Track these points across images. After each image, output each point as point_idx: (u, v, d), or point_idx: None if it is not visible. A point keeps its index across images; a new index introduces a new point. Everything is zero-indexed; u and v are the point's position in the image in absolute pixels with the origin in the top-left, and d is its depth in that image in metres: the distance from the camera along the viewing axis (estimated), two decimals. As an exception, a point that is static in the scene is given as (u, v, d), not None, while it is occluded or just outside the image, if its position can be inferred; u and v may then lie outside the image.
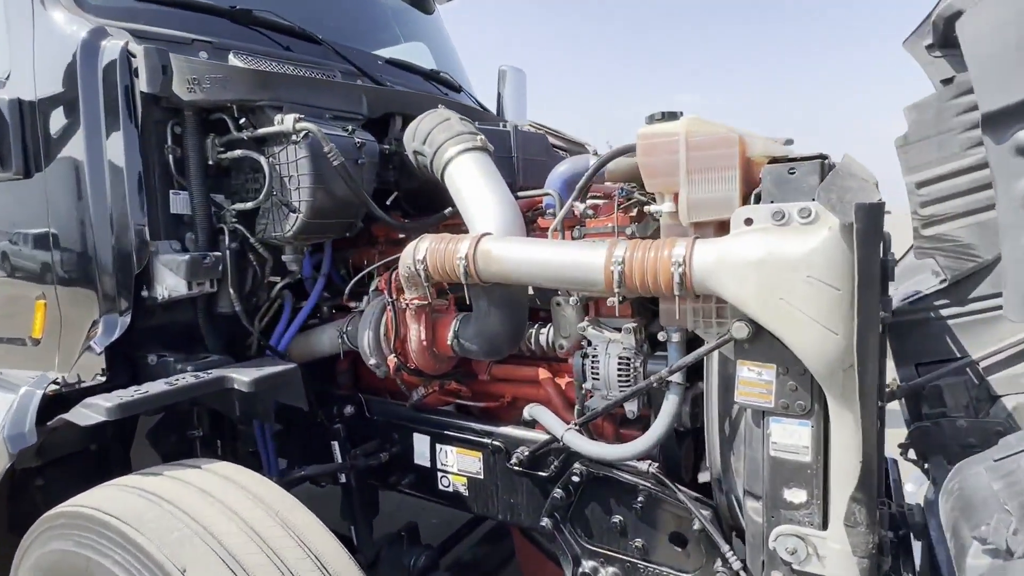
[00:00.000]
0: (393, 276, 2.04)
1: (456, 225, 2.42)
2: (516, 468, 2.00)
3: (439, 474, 2.24)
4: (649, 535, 1.82)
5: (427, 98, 2.62)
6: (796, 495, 1.47)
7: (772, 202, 1.40)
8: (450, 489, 2.23)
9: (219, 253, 2.02)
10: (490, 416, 2.37)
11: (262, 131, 1.96)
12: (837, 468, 1.37)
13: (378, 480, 2.40)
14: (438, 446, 2.23)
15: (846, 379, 1.30)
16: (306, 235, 2.03)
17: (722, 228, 1.54)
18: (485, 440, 2.10)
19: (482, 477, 2.14)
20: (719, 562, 1.67)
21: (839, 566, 1.37)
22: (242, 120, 1.99)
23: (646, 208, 1.63)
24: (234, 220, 2.09)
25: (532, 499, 2.04)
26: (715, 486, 1.78)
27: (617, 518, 1.86)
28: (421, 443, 2.28)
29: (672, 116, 1.63)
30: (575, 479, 1.86)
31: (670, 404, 1.64)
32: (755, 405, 1.49)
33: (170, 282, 1.93)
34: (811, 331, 1.29)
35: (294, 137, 1.92)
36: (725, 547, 1.59)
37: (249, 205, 2.01)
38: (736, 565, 1.57)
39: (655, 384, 1.64)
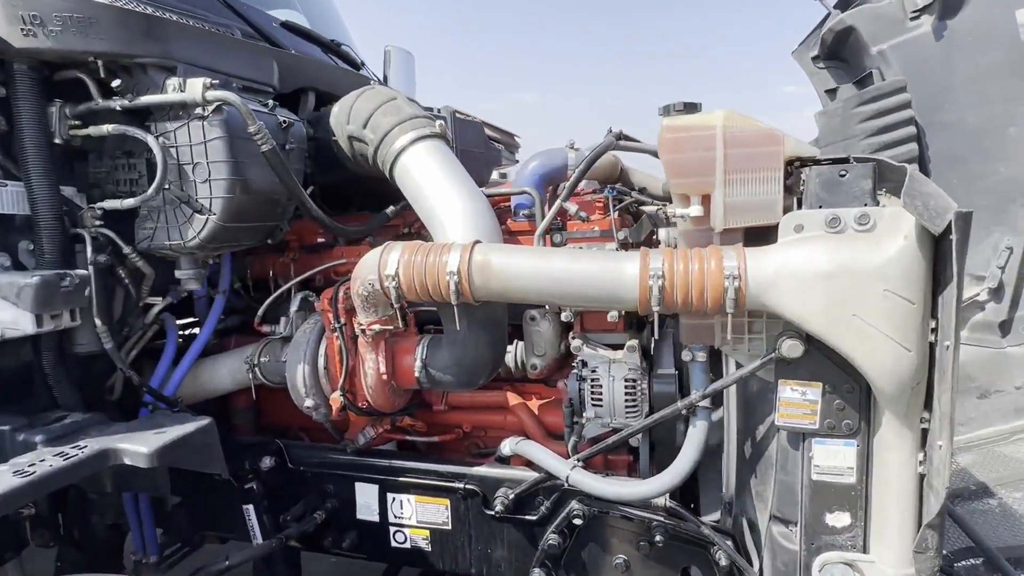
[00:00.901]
0: (341, 295, 1.61)
1: (394, 227, 2.04)
2: (498, 514, 1.70)
3: (392, 529, 1.86)
4: (657, 573, 1.65)
5: (347, 73, 2.17)
6: (839, 519, 1.38)
7: (821, 207, 1.28)
8: (406, 545, 1.86)
9: (83, 272, 1.43)
10: (439, 451, 2.04)
11: (149, 99, 1.41)
12: (890, 489, 1.30)
13: (308, 543, 1.94)
14: (390, 496, 1.84)
15: (912, 398, 1.23)
16: (217, 243, 1.51)
17: (751, 236, 1.40)
18: (454, 484, 1.77)
19: (450, 528, 1.80)
20: (739, 593, 1.55)
21: (894, 591, 1.31)
22: (115, 83, 1.41)
23: (670, 211, 1.43)
24: (98, 224, 1.50)
25: (516, 547, 1.76)
26: (724, 509, 1.67)
27: (620, 558, 1.66)
28: (367, 494, 1.87)
29: (692, 108, 1.45)
30: (576, 521, 1.62)
31: (699, 431, 1.47)
32: (798, 427, 1.37)
33: (4, 316, 1.30)
34: (885, 349, 1.18)
35: (200, 111, 1.40)
36: (759, 581, 1.47)
37: (130, 203, 1.44)
38: (772, 599, 1.45)
39: (683, 410, 1.45)
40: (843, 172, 1.27)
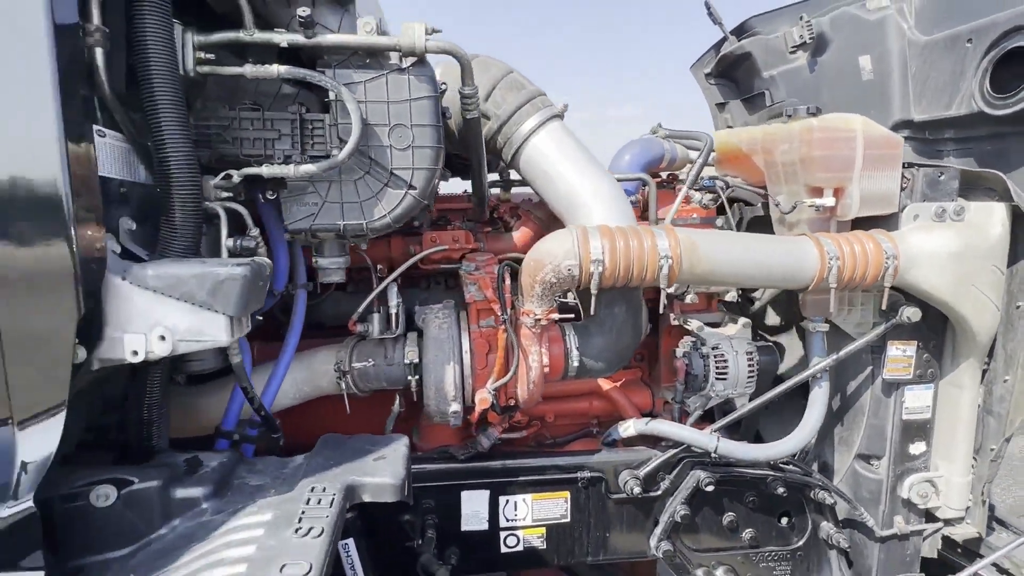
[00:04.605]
0: (507, 284, 1.46)
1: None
2: (625, 496, 1.72)
3: (503, 534, 1.74)
4: (760, 522, 1.85)
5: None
6: (918, 448, 1.76)
7: (924, 200, 1.61)
8: (518, 548, 1.76)
9: (265, 260, 1.05)
10: (509, 446, 1.96)
11: (343, 40, 1.09)
12: (961, 418, 1.70)
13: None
14: (502, 499, 1.72)
15: (988, 345, 1.63)
16: (400, 224, 1.24)
17: (855, 223, 1.67)
18: (575, 475, 1.74)
19: (568, 520, 1.76)
20: (828, 524, 1.84)
21: (960, 494, 1.72)
22: (303, 11, 1.05)
23: (808, 201, 1.62)
24: (225, 196, 1.12)
25: (636, 525, 1.80)
26: (800, 456, 1.94)
27: (730, 516, 1.82)
28: (475, 502, 1.72)
29: (819, 111, 1.67)
30: (708, 488, 1.73)
31: (823, 392, 1.71)
32: (899, 379, 1.70)
33: (178, 322, 0.92)
34: (988, 309, 1.56)
35: (397, 61, 1.15)
36: (860, 509, 1.77)
37: (306, 170, 1.10)
38: (871, 522, 1.76)
39: (817, 374, 1.67)
40: (940, 174, 1.62)
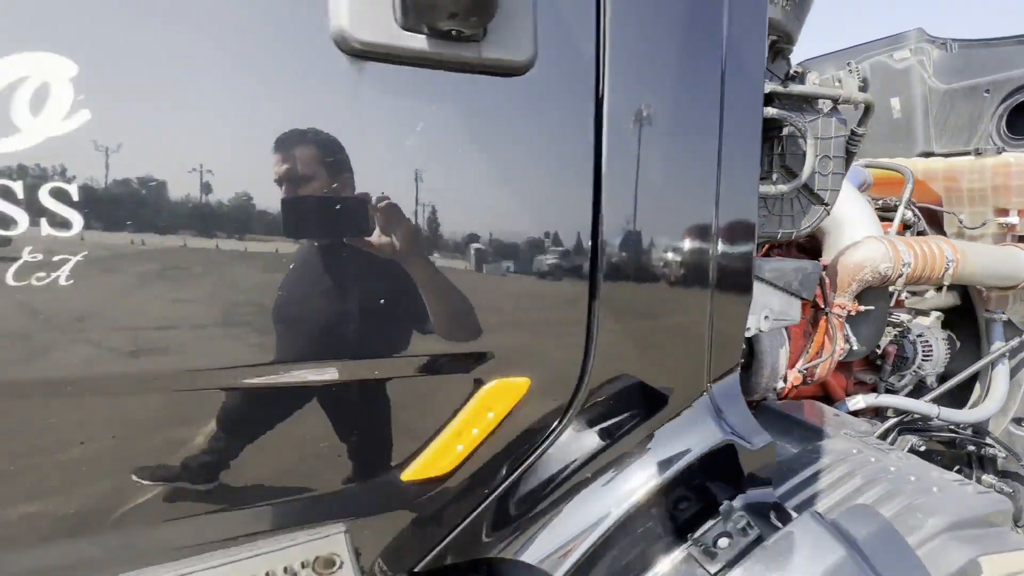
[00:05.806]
0: (824, 283, 1.80)
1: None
2: None
3: (768, 495, 2.07)
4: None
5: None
6: (1060, 412, 2.28)
7: (1076, 221, 2.14)
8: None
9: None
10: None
11: (813, 90, 1.41)
12: (1092, 386, 2.24)
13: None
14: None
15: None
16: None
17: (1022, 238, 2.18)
18: (823, 441, 2.10)
19: (814, 480, 2.12)
20: (988, 475, 2.32)
21: (1090, 446, 2.26)
22: (798, 67, 1.36)
23: (998, 220, 2.10)
24: None
25: (859, 483, 2.18)
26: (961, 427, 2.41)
27: (921, 472, 2.25)
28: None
29: (1003, 149, 2.17)
30: (921, 449, 2.15)
31: (1006, 369, 2.19)
32: (1055, 358, 2.22)
33: (772, 303, 1.20)
34: None
35: (820, 105, 1.48)
36: (1023, 460, 2.26)
37: (783, 188, 1.40)
38: (1031, 470, 2.26)
39: (1006, 354, 2.15)
40: (1087, 200, 2.16)
